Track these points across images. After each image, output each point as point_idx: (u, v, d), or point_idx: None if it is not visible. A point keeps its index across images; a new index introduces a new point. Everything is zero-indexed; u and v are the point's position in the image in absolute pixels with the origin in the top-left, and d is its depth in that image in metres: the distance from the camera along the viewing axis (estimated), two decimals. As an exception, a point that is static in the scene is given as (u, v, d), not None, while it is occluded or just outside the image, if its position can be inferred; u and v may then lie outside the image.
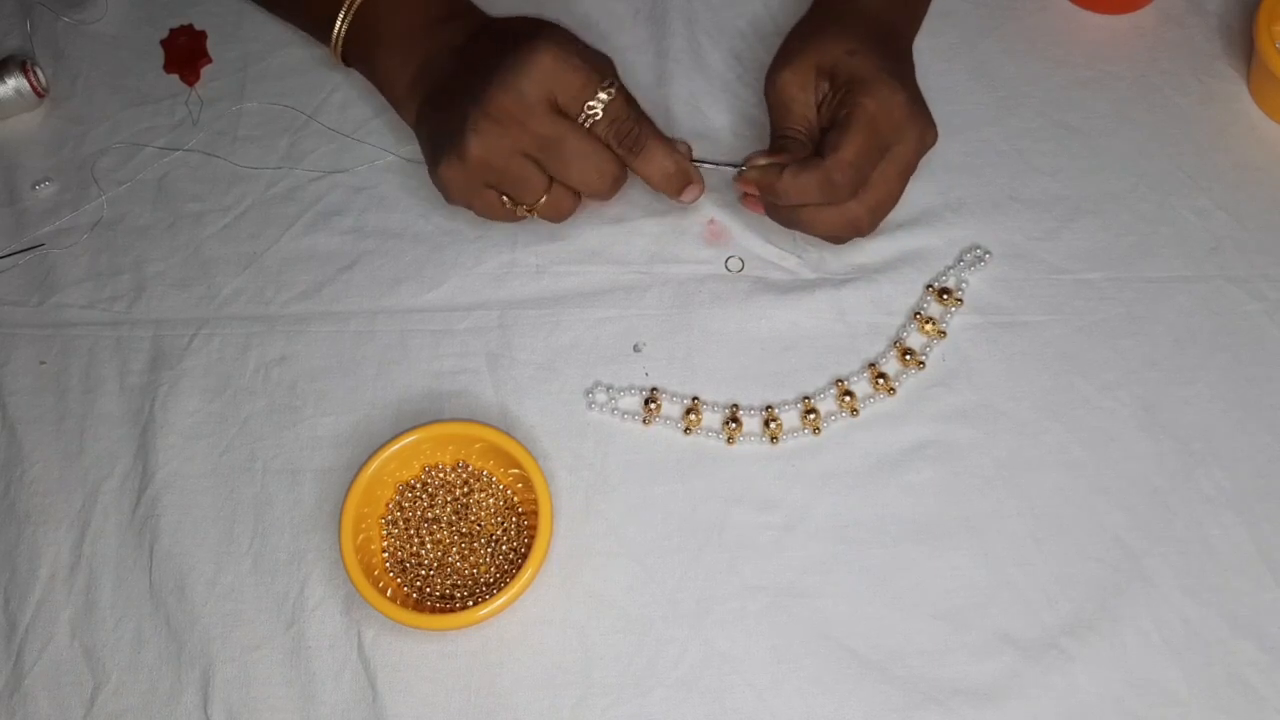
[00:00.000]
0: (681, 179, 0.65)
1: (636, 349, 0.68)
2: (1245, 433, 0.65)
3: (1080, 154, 0.72)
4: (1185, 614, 0.61)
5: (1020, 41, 0.75)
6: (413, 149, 0.73)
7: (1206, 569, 0.62)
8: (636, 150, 0.64)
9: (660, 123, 0.73)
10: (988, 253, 0.69)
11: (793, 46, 0.66)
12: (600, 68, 0.62)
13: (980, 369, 0.67)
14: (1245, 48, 0.74)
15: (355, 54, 0.70)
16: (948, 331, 0.67)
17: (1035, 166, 0.72)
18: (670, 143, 0.65)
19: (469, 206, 0.66)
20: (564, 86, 0.61)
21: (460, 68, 0.65)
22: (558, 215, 0.66)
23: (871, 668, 0.61)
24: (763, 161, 0.64)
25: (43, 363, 0.69)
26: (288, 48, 0.76)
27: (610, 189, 0.64)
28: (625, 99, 0.63)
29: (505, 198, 0.65)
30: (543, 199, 0.64)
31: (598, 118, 0.62)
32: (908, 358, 0.67)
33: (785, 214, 0.65)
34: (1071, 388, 0.66)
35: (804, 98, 0.65)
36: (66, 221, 0.72)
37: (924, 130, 0.64)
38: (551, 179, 0.64)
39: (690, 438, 0.66)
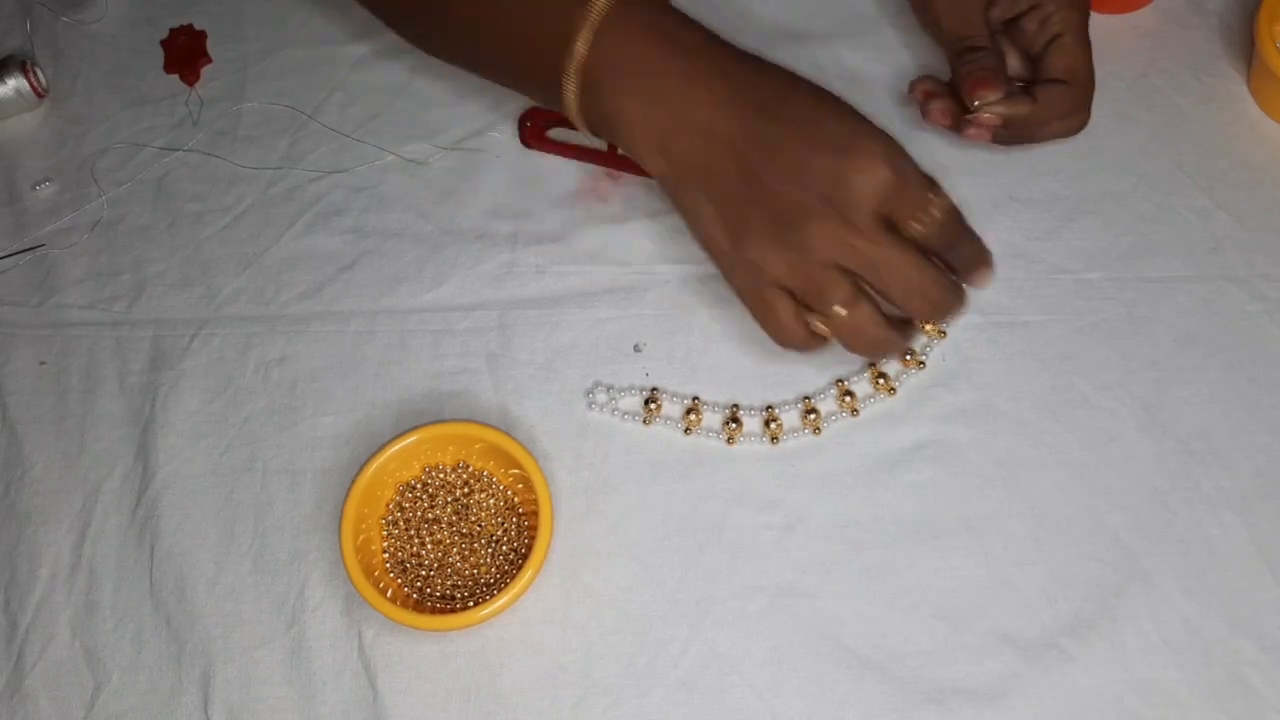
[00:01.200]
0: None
1: (637, 349, 0.68)
2: (1245, 433, 0.65)
3: (1080, 154, 0.72)
4: (1185, 614, 0.61)
5: (1020, 41, 0.75)
6: (412, 149, 0.73)
7: (1207, 569, 0.62)
8: (963, 265, 0.57)
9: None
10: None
11: None
12: (927, 176, 0.55)
13: (980, 369, 0.67)
14: (1245, 47, 0.74)
15: (594, 114, 0.58)
16: (947, 331, 0.67)
17: (1035, 166, 0.72)
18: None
19: (746, 299, 0.58)
20: (899, 200, 0.54)
21: (748, 141, 0.55)
22: (857, 341, 0.57)
23: (871, 668, 0.61)
24: (997, 100, 0.64)
25: (43, 363, 0.69)
26: (288, 48, 0.76)
27: (936, 312, 0.56)
28: (953, 209, 0.56)
29: (798, 305, 0.57)
30: (843, 313, 0.56)
31: (926, 229, 0.55)
32: (908, 358, 0.67)
33: (1018, 134, 0.66)
34: (1071, 388, 0.66)
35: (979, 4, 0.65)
36: (66, 221, 0.72)
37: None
38: (857, 294, 0.56)
39: (690, 438, 0.66)
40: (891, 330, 0.57)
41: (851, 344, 0.57)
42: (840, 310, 0.56)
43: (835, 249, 0.54)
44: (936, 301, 0.56)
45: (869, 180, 0.53)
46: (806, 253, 0.55)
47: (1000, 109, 0.64)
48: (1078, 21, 0.65)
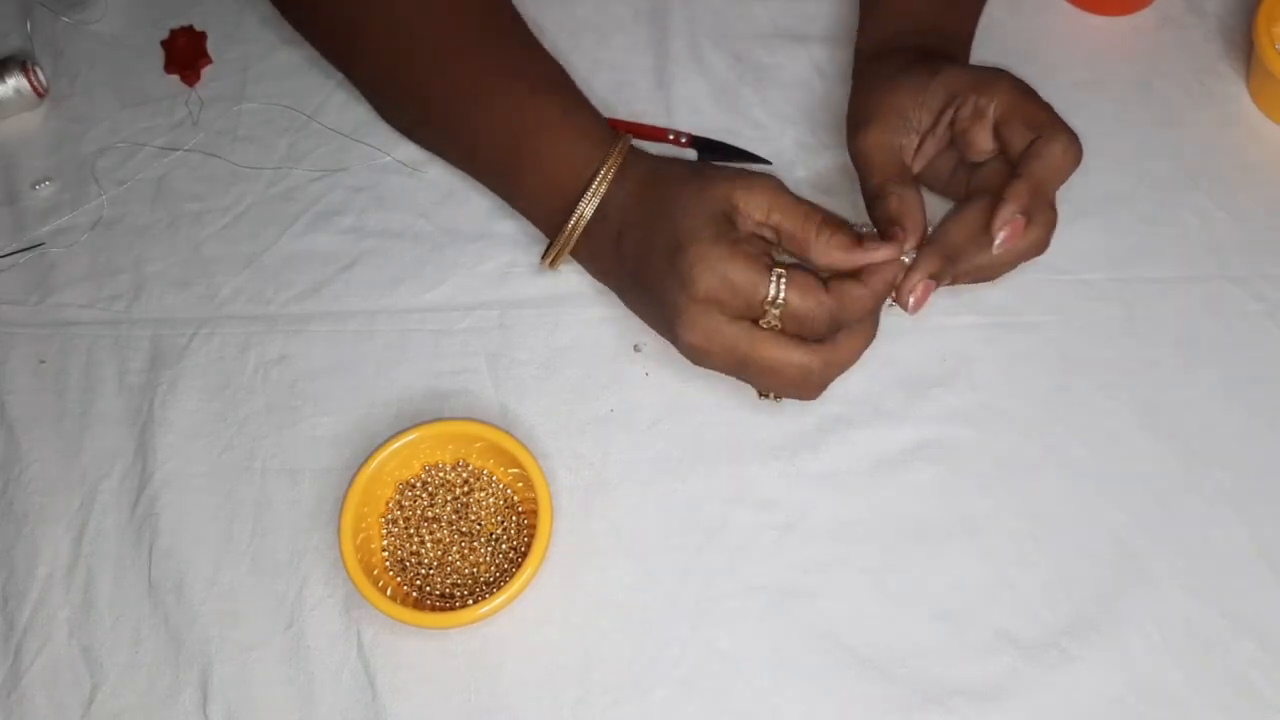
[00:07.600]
0: (893, 281, 0.58)
1: (636, 349, 0.68)
2: (1246, 432, 0.65)
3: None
4: (1186, 614, 0.61)
5: (1021, 43, 0.75)
6: (411, 150, 0.73)
7: (1207, 568, 0.62)
8: (844, 317, 0.57)
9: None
10: (988, 253, 0.69)
11: (866, 111, 0.63)
12: (761, 259, 0.57)
13: (980, 369, 0.67)
14: (1245, 48, 0.74)
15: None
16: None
17: (1035, 167, 0.72)
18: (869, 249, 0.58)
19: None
20: (731, 296, 0.56)
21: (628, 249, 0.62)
22: (803, 398, 0.61)
23: (872, 668, 0.60)
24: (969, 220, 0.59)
25: (42, 362, 0.69)
26: (288, 48, 0.76)
27: (813, 389, 0.59)
28: (800, 284, 0.56)
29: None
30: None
31: (779, 315, 0.57)
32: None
33: (979, 268, 0.61)
34: (1072, 388, 0.66)
35: (895, 149, 0.62)
36: (66, 221, 0.72)
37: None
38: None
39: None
40: (823, 377, 0.59)
41: (803, 400, 0.61)
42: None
43: (712, 352, 0.58)
44: (801, 385, 0.59)
45: (688, 307, 0.57)
46: (698, 352, 0.59)
47: (969, 228, 0.59)
48: (1008, 89, 0.60)
